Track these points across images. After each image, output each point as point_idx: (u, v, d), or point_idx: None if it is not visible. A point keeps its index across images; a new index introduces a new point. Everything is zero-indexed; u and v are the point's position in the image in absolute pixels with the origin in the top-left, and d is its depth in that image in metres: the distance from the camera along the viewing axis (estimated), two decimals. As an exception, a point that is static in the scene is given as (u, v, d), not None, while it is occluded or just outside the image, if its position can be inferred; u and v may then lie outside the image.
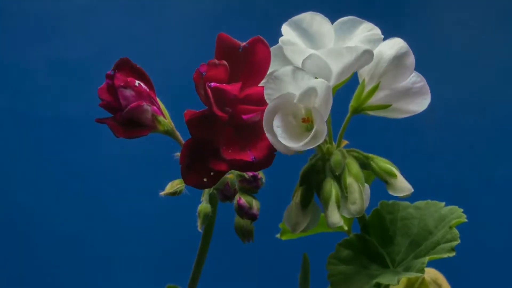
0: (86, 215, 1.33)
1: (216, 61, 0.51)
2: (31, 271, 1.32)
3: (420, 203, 0.60)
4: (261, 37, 0.53)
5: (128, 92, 0.55)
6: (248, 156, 0.50)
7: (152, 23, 1.39)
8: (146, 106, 0.55)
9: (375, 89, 0.53)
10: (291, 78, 0.49)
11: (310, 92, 0.49)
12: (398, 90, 0.53)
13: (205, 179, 0.51)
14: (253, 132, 0.51)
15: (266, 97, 0.50)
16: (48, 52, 1.36)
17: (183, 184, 0.58)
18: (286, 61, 0.53)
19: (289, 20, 0.53)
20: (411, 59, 0.53)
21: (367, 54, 0.49)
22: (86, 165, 1.34)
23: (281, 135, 0.48)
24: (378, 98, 0.54)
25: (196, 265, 0.64)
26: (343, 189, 0.52)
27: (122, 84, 0.55)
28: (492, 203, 1.28)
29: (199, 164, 0.51)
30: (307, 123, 0.50)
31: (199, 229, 0.59)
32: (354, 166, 0.53)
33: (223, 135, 0.51)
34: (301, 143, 0.48)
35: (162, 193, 0.58)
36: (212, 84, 0.50)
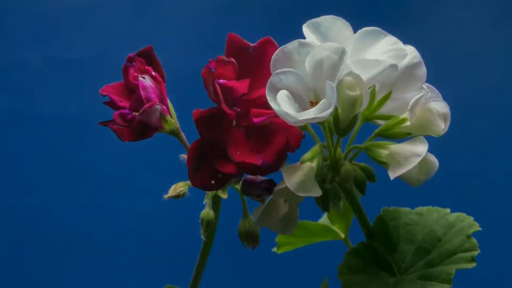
0: (86, 215, 1.33)
1: (225, 58, 0.51)
2: (31, 271, 1.32)
3: (421, 209, 0.59)
4: (271, 38, 0.53)
5: (147, 82, 0.54)
6: (257, 159, 0.49)
7: (152, 23, 1.39)
8: (157, 105, 0.54)
9: (386, 98, 0.52)
10: (298, 52, 0.49)
11: (316, 67, 0.48)
12: None
13: (212, 181, 0.51)
14: (263, 136, 0.51)
15: (272, 68, 0.49)
16: (48, 52, 1.36)
17: (186, 186, 0.58)
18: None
19: (308, 21, 0.52)
20: (423, 70, 0.52)
21: (393, 69, 0.49)
22: (86, 165, 1.34)
23: (285, 106, 0.47)
24: (389, 108, 0.52)
25: (198, 268, 0.64)
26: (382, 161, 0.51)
27: (141, 73, 0.54)
28: (491, 205, 1.28)
29: (207, 166, 0.51)
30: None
31: (203, 236, 0.59)
32: (381, 142, 0.52)
33: (231, 136, 0.51)
34: (308, 113, 0.47)
35: (166, 196, 0.57)
36: (221, 81, 0.50)
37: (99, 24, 1.38)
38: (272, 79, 0.49)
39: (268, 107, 0.50)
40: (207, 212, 0.59)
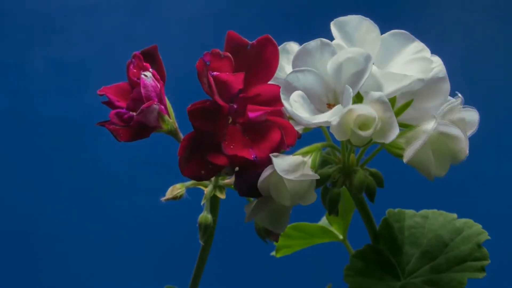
0: (86, 215, 1.33)
1: (220, 51, 0.51)
2: (30, 271, 1.32)
3: (426, 212, 0.59)
4: (270, 36, 0.53)
5: (149, 81, 0.54)
6: (250, 154, 0.49)
7: (152, 23, 1.39)
8: (155, 105, 0.54)
9: (407, 106, 0.51)
10: (320, 51, 0.48)
11: (339, 70, 0.48)
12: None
13: (202, 171, 0.50)
14: (258, 131, 0.50)
15: (292, 65, 0.48)
16: (48, 52, 1.36)
17: (184, 188, 0.58)
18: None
19: (336, 19, 0.51)
20: (447, 85, 0.51)
21: (418, 82, 0.48)
22: (86, 165, 1.34)
23: (298, 109, 0.47)
24: (409, 116, 0.51)
25: (197, 268, 0.64)
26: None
27: (139, 70, 0.54)
28: (492, 206, 1.28)
29: (198, 156, 0.50)
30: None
31: (201, 241, 0.58)
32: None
33: (226, 130, 0.50)
34: (321, 117, 0.46)
35: (163, 199, 0.57)
36: (215, 73, 0.50)
37: (99, 25, 1.38)
38: (289, 77, 0.48)
39: (265, 105, 0.50)
40: (205, 216, 0.58)
